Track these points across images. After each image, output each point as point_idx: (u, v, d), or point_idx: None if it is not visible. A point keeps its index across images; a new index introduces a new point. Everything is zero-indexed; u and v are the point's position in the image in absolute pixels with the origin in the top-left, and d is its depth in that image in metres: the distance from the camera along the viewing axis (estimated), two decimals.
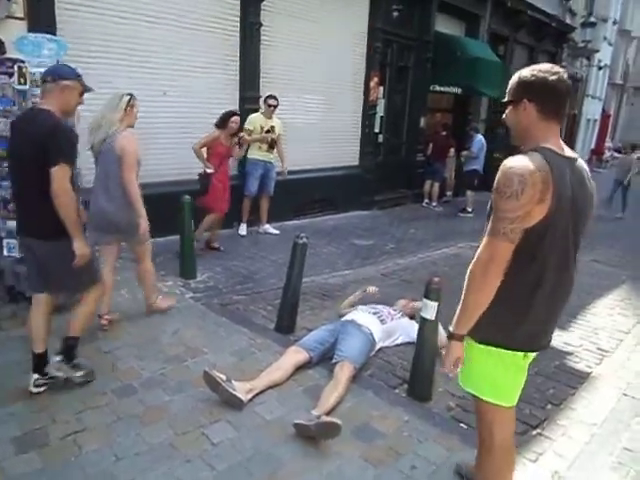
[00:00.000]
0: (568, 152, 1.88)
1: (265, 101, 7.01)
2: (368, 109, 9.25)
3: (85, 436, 2.67)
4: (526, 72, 1.90)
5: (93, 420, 2.81)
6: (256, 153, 7.06)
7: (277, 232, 7.30)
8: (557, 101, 1.87)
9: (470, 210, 10.15)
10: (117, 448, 2.60)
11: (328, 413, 2.88)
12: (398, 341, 4.07)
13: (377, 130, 9.81)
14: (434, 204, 10.59)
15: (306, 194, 8.24)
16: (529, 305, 1.89)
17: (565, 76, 1.86)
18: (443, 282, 3.25)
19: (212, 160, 5.99)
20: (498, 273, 1.81)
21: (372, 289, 4.47)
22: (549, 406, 3.43)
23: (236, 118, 6.06)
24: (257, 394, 3.13)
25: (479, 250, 1.83)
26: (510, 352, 1.95)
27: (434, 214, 10.22)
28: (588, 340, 4.58)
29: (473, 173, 10.31)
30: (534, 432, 3.12)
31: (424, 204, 10.60)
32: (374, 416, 3.05)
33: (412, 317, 4.21)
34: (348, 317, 3.87)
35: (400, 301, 4.40)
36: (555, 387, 3.69)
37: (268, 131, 7.00)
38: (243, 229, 7.23)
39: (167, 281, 5.03)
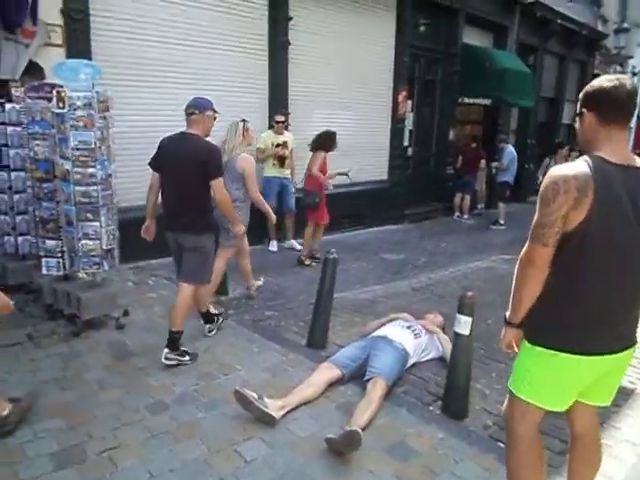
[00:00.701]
0: (629, 159, 1.88)
1: (273, 117, 7.07)
2: (397, 123, 9.25)
3: (120, 452, 2.70)
4: (590, 84, 1.97)
5: (127, 436, 2.83)
6: (270, 170, 7.13)
7: (301, 247, 7.20)
8: (616, 107, 1.89)
9: (502, 222, 9.99)
10: (151, 465, 2.61)
11: (362, 430, 2.84)
12: (430, 356, 4.00)
13: (406, 144, 9.79)
14: (465, 217, 10.46)
15: (335, 209, 8.21)
16: (573, 306, 1.91)
17: (626, 82, 1.89)
18: (476, 296, 3.19)
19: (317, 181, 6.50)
20: (536, 275, 1.92)
21: (404, 316, 4.21)
22: None
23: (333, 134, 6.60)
24: (289, 411, 3.10)
25: (521, 254, 1.97)
26: (554, 352, 1.93)
27: (465, 227, 10.08)
28: None
29: (504, 185, 10.17)
30: None
31: (455, 217, 10.48)
32: (408, 434, 2.99)
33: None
34: (381, 332, 3.82)
35: (428, 315, 4.31)
36: None
37: (278, 145, 7.02)
38: (274, 245, 7.27)
39: None
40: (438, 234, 9.20)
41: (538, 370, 2.00)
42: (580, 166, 1.83)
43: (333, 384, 3.41)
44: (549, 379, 1.98)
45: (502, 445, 2.99)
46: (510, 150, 10.16)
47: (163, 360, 3.61)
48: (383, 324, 4.13)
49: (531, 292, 1.95)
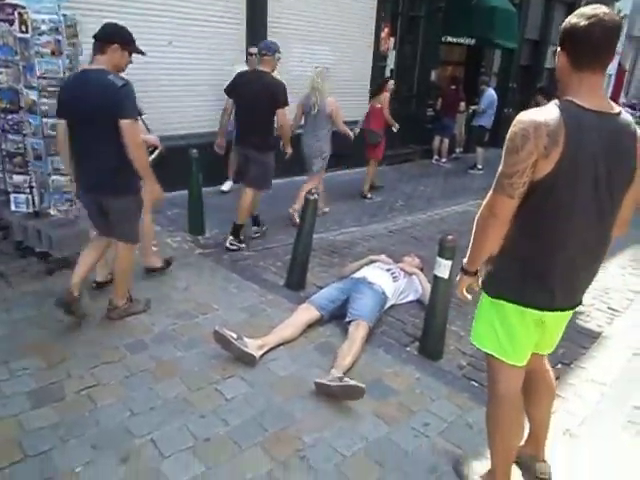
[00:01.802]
0: (603, 106, 1.76)
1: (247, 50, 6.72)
2: (378, 61, 8.96)
3: (99, 391, 2.69)
4: (568, 17, 1.79)
5: (107, 375, 2.82)
6: None
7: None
8: (590, 48, 1.71)
9: (480, 167, 9.99)
10: (131, 403, 2.62)
11: (346, 372, 2.88)
12: (408, 299, 4.06)
13: None
14: (443, 160, 10.41)
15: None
16: (540, 261, 1.86)
17: (606, 17, 1.68)
18: (454, 239, 3.20)
19: (381, 120, 7.24)
20: (498, 227, 1.84)
21: (383, 258, 4.20)
22: (559, 365, 3.42)
23: (392, 82, 7.49)
24: (268, 350, 3.13)
25: (483, 203, 1.87)
26: (519, 308, 1.92)
27: (443, 171, 10.06)
28: (599, 299, 4.56)
29: (481, 129, 10.04)
30: None
31: (434, 161, 10.42)
32: (386, 373, 3.06)
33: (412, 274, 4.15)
34: (360, 274, 3.83)
35: (406, 258, 4.33)
36: (565, 346, 3.66)
37: None
38: (227, 185, 6.95)
39: (175, 237, 5.00)
40: (416, 177, 9.17)
41: (497, 323, 2.00)
42: (551, 111, 1.71)
43: (312, 325, 3.44)
44: (519, 336, 1.98)
45: (476, 384, 3.11)
46: (490, 93, 9.98)
47: (228, 245, 4.77)
48: (362, 266, 4.14)
49: (490, 244, 1.89)
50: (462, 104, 10.31)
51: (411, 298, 4.07)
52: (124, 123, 2.84)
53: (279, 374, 2.97)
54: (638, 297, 4.74)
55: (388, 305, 3.80)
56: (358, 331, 3.24)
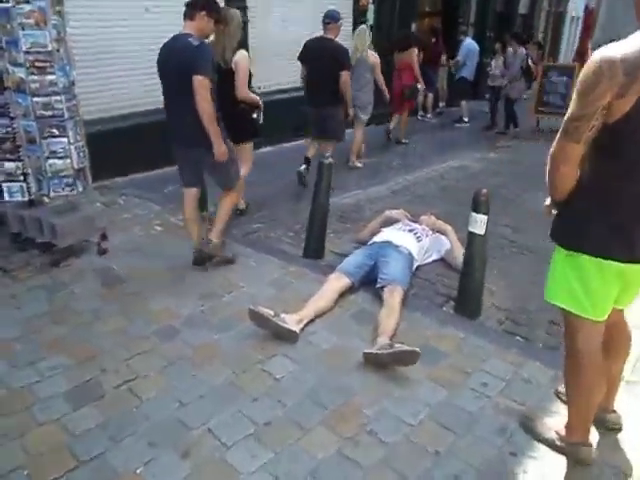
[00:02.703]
0: None
1: None
2: (358, 16, 8.62)
3: (140, 384, 2.52)
4: None
5: (143, 366, 2.65)
6: None
7: None
8: None
9: (466, 120, 9.85)
10: (177, 393, 2.46)
11: (392, 338, 2.77)
12: (432, 258, 3.96)
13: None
14: (429, 116, 10.24)
15: (301, 113, 7.80)
16: (617, 209, 1.76)
17: None
18: (487, 193, 3.08)
19: (412, 74, 7.94)
20: (567, 172, 1.77)
21: (395, 212, 4.20)
22: None
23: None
24: (307, 324, 3.00)
25: (551, 148, 1.78)
26: (598, 261, 1.81)
27: (430, 126, 9.90)
28: None
29: (463, 81, 9.84)
30: None
31: (419, 116, 10.22)
32: (430, 336, 2.96)
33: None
34: (384, 237, 3.70)
35: (422, 217, 4.20)
36: None
37: None
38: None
39: (179, 215, 4.75)
40: (405, 135, 8.96)
41: (574, 278, 1.89)
42: (633, 44, 1.57)
43: (344, 293, 3.31)
44: (597, 290, 1.88)
45: (520, 339, 3.03)
46: (467, 43, 9.75)
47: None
48: (381, 226, 4.03)
49: (564, 188, 1.82)
50: (443, 57, 10.09)
51: (435, 257, 3.97)
52: (195, 79, 3.07)
53: (322, 347, 2.84)
54: None
55: (415, 266, 3.69)
56: (394, 296, 3.11)
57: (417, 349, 2.58)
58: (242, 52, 4.10)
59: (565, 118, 1.69)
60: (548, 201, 2.01)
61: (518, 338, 3.05)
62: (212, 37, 3.72)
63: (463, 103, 9.92)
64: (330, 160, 3.83)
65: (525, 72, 9.11)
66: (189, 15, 3.27)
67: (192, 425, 2.27)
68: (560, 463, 2.13)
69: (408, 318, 3.13)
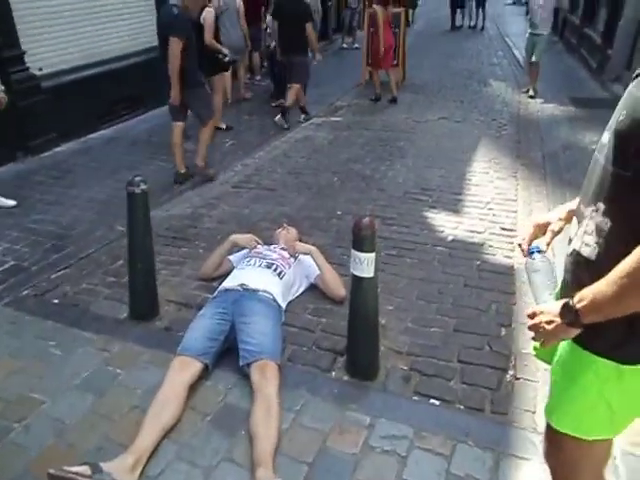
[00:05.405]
0: None
1: None
2: None
3: None
4: None
5: None
6: None
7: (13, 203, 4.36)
8: None
9: None
10: None
11: (274, 456, 1.92)
12: (302, 289, 3.13)
13: None
14: (258, 78, 9.16)
15: (106, 94, 6.30)
16: None
17: None
18: (373, 223, 2.29)
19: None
20: None
21: (243, 239, 3.21)
22: None
23: None
24: (148, 460, 1.99)
25: None
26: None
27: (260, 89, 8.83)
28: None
29: None
30: None
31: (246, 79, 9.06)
32: (327, 434, 2.15)
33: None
34: (236, 280, 2.75)
35: (280, 234, 3.31)
36: None
37: None
38: None
39: None
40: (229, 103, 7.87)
41: (615, 399, 1.23)
42: None
43: (195, 384, 2.34)
44: (626, 406, 1.24)
45: (437, 402, 2.37)
46: None
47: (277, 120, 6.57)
48: (225, 253, 3.12)
49: None
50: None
51: (305, 286, 3.15)
52: (170, 40, 4.29)
53: None
54: (517, 206, 4.41)
55: (283, 310, 2.83)
56: (267, 379, 2.25)
57: None
58: (208, 9, 5.62)
59: None
60: (565, 329, 1.20)
61: (434, 402, 2.37)
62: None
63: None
64: (143, 187, 2.68)
65: None
66: None
67: None
68: None
69: (292, 406, 2.28)
